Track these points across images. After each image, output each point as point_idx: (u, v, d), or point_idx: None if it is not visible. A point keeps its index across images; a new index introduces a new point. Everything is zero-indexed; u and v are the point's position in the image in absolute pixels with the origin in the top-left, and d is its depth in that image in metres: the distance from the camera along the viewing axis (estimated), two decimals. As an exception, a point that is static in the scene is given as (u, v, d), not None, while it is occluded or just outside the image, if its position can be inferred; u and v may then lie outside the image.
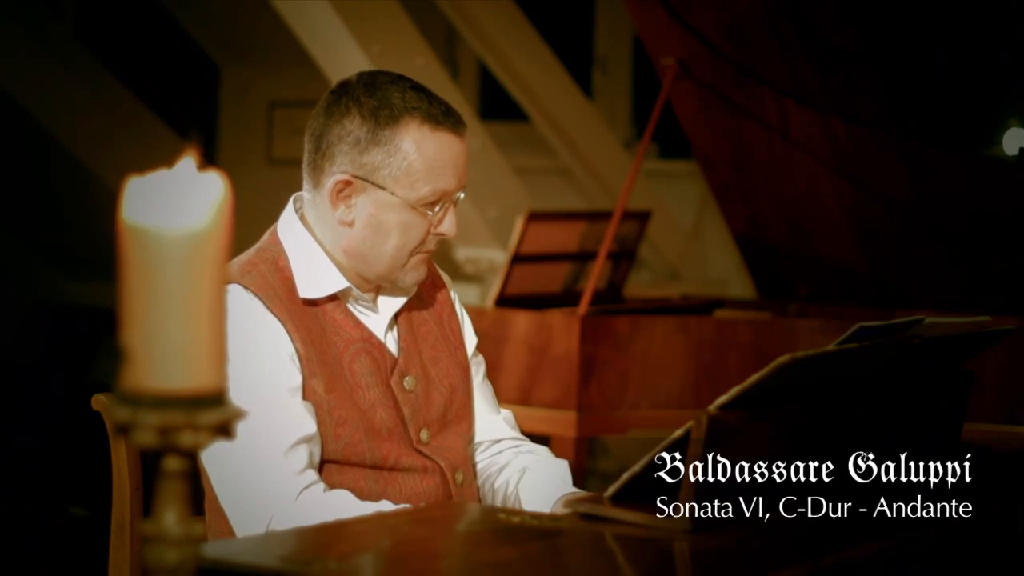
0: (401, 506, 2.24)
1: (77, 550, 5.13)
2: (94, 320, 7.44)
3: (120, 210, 1.23)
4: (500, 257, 5.89)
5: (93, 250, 7.26)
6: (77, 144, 7.27)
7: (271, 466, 2.18)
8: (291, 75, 7.49)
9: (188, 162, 1.23)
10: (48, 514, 5.62)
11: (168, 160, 1.24)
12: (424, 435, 2.35)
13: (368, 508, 2.21)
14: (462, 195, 2.35)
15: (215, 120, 8.11)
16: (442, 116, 2.30)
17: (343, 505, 2.20)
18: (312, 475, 2.22)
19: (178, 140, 7.47)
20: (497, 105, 7.39)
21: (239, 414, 1.27)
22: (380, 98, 2.29)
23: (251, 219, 2.43)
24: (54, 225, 7.92)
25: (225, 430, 1.26)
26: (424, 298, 2.46)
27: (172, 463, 1.26)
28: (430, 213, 2.30)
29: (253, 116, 7.93)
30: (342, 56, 5.68)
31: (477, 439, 2.50)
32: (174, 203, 1.22)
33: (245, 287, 2.24)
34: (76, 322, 7.89)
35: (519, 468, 2.44)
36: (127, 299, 1.23)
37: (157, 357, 1.23)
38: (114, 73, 7.36)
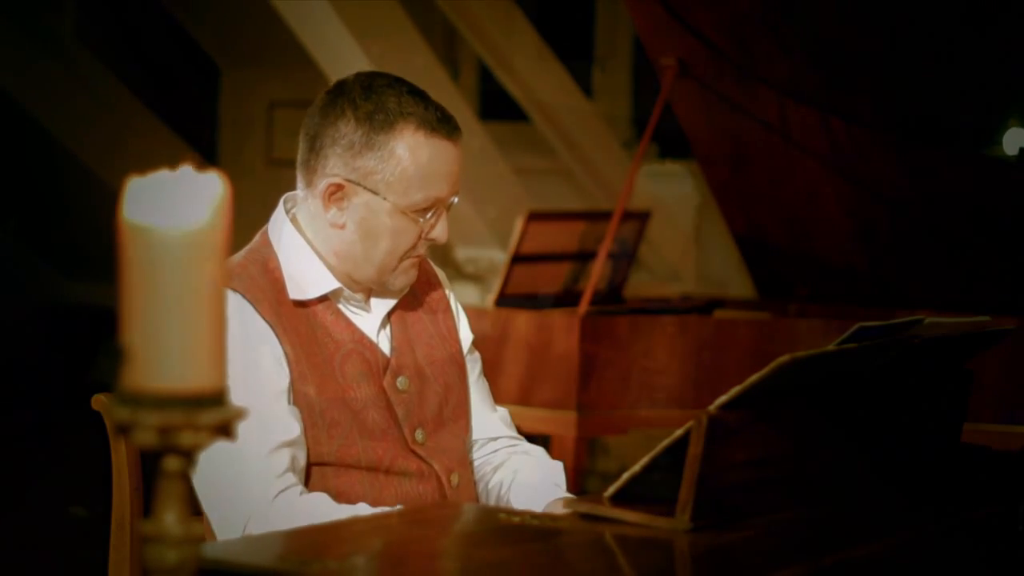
0: (379, 509, 2.22)
1: (77, 550, 5.13)
2: (94, 320, 7.43)
3: (120, 210, 1.23)
4: (500, 257, 5.89)
5: (93, 250, 7.25)
6: (77, 144, 7.27)
7: (252, 467, 2.16)
8: (291, 76, 7.49)
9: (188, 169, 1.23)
10: (48, 514, 5.62)
11: (168, 160, 1.24)
12: (419, 435, 2.34)
13: (344, 511, 2.19)
14: (455, 200, 2.34)
15: (216, 121, 8.11)
16: (437, 122, 2.28)
17: (317, 508, 2.18)
18: (291, 478, 2.21)
19: (178, 140, 7.47)
20: (497, 105, 7.39)
21: (239, 414, 1.27)
22: (376, 102, 2.27)
23: (251, 219, 2.42)
24: (55, 225, 7.92)
25: (225, 430, 1.26)
26: (418, 295, 2.44)
27: (172, 463, 1.26)
28: (422, 219, 2.30)
29: (253, 117, 7.94)
30: (342, 56, 5.68)
31: (473, 436, 2.49)
32: (174, 203, 1.22)
33: (234, 290, 2.23)
34: (76, 322, 7.90)
35: (513, 469, 2.44)
36: (127, 299, 1.23)
37: (157, 357, 1.23)
38: (115, 74, 7.36)
